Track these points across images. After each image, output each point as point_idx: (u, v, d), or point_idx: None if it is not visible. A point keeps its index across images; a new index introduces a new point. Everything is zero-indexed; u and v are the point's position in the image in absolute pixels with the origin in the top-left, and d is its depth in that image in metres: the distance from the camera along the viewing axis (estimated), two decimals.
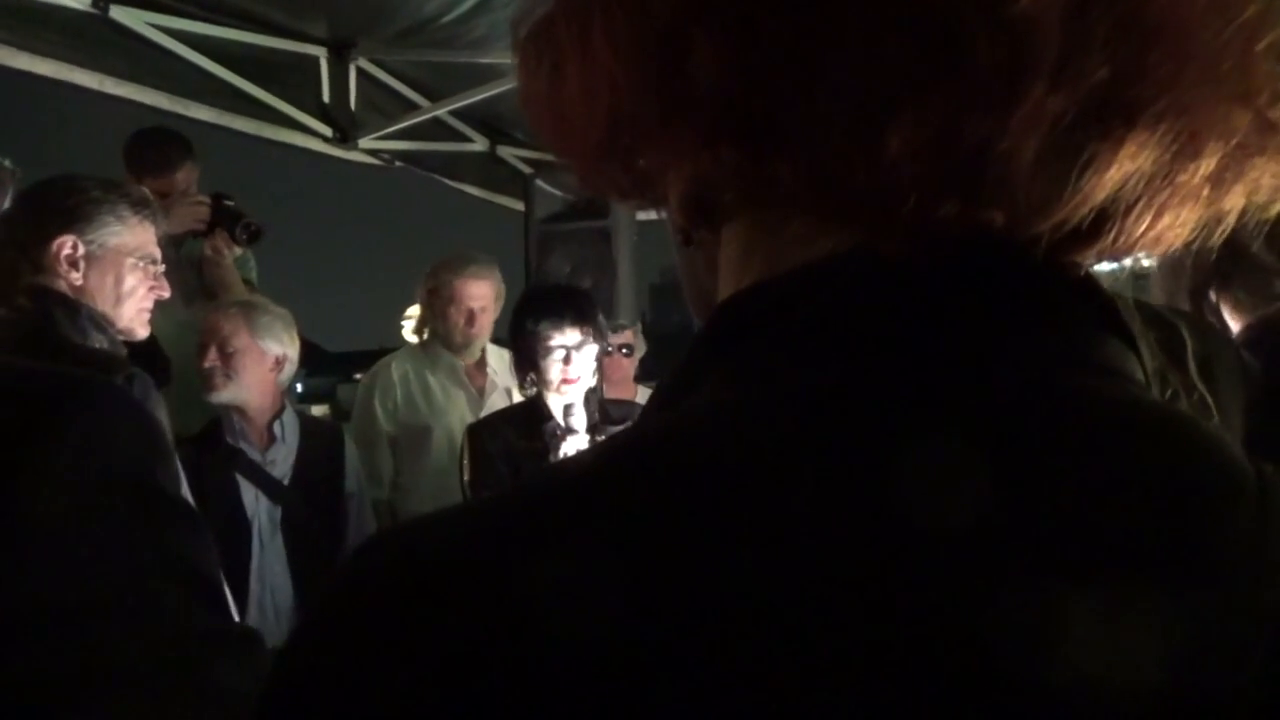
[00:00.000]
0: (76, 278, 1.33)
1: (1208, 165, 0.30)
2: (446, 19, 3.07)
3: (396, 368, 2.74)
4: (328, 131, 3.55)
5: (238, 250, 2.67)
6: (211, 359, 2.22)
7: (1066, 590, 0.26)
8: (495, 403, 2.71)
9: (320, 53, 3.42)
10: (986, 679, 0.25)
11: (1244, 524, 0.29)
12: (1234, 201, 0.32)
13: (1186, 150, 0.30)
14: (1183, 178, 0.30)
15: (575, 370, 2.15)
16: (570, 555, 0.27)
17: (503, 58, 3.01)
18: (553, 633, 0.26)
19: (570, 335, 2.15)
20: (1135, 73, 0.29)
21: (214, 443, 2.22)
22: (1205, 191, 0.31)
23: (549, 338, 2.14)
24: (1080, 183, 0.29)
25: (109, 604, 0.58)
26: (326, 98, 3.49)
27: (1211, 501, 0.29)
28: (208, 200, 2.63)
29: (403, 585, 0.28)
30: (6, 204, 1.19)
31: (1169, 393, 0.35)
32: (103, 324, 1.30)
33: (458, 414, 2.69)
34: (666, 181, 0.36)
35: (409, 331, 4.57)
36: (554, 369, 2.14)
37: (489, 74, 3.30)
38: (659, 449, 0.30)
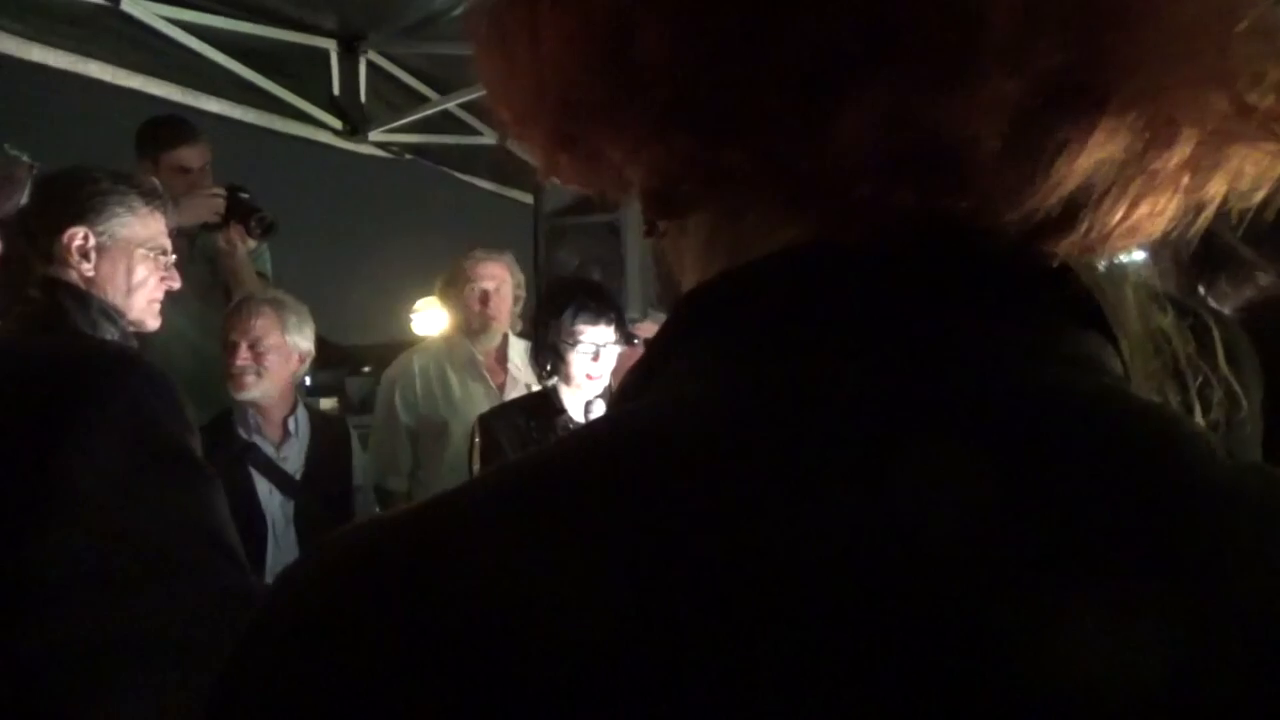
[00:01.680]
0: (87, 269, 1.33)
1: (1183, 152, 0.29)
2: (456, 12, 3.07)
3: (418, 360, 2.74)
4: (338, 124, 3.56)
5: (251, 243, 2.68)
6: (244, 357, 2.21)
7: (1064, 590, 0.26)
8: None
9: (330, 45, 3.43)
10: (986, 679, 0.25)
11: (1225, 519, 0.28)
12: (1215, 189, 0.30)
13: (1161, 136, 0.29)
14: (1157, 165, 0.29)
15: (600, 368, 2.15)
16: (540, 549, 0.27)
17: None
18: (529, 628, 0.26)
19: (604, 333, 2.15)
20: (1099, 55, 0.28)
21: (226, 436, 2.21)
22: (1184, 179, 0.30)
23: (582, 331, 2.13)
24: (1051, 170, 0.29)
25: (151, 566, 0.60)
26: (336, 90, 3.49)
27: (1196, 498, 0.29)
28: (223, 192, 2.64)
29: (371, 576, 0.28)
30: (25, 199, 1.20)
31: (1199, 380, 0.35)
32: (113, 315, 1.31)
33: (475, 409, 2.65)
34: (628, 171, 0.35)
35: (418, 326, 4.56)
36: (580, 363, 2.14)
37: None
38: (615, 443, 0.30)
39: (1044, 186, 0.29)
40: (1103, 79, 0.28)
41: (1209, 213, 0.31)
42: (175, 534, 0.64)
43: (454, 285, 2.72)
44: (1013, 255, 0.31)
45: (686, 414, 0.30)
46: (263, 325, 2.24)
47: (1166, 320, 0.34)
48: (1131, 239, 0.31)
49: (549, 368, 2.18)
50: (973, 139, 0.28)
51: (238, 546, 0.71)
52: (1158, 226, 0.31)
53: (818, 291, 0.31)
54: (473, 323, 2.71)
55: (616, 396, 0.35)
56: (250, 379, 2.22)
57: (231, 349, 2.22)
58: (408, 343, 3.04)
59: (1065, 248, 0.31)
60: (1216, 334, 0.38)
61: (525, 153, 0.37)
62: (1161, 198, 0.30)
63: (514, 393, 2.73)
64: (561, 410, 2.17)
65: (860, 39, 0.28)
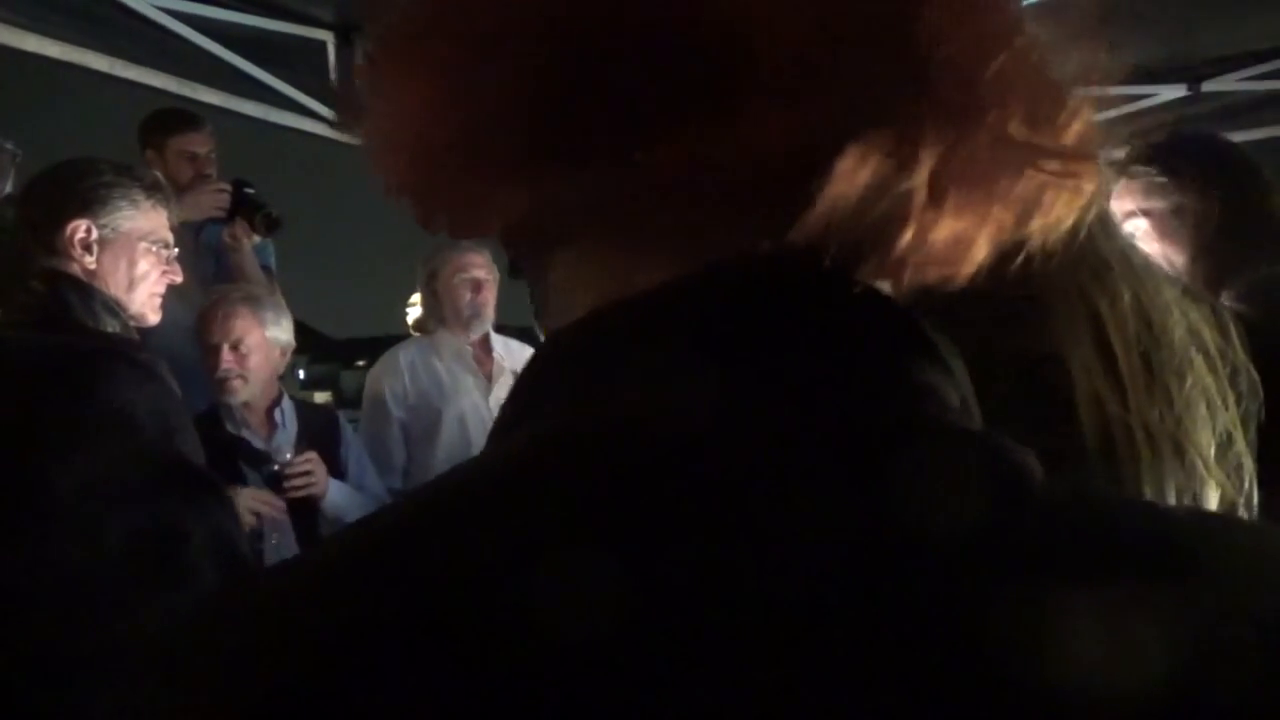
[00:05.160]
0: (90, 261, 1.33)
1: (921, 176, 0.31)
2: None
3: (404, 356, 2.76)
4: (334, 116, 3.54)
5: (256, 238, 2.68)
6: (228, 360, 2.17)
7: (1065, 593, 0.26)
8: (504, 387, 2.73)
9: (327, 37, 3.41)
10: (986, 679, 0.25)
11: (1243, 531, 0.29)
12: (1034, 226, 0.33)
13: (905, 162, 0.31)
14: (907, 186, 0.31)
15: None
16: (567, 556, 0.27)
17: None
18: (543, 638, 0.26)
19: None
20: (855, 90, 0.30)
21: (214, 431, 2.16)
22: (992, 209, 0.32)
23: None
24: (815, 194, 0.31)
25: (137, 577, 0.58)
26: (333, 82, 3.48)
27: (1205, 512, 0.29)
28: (228, 187, 2.64)
29: (380, 594, 0.27)
30: (9, 186, 1.19)
31: (1229, 370, 0.36)
32: (115, 308, 1.30)
33: (467, 399, 2.72)
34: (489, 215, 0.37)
35: (413, 319, 4.59)
36: None
37: None
38: (653, 452, 0.30)
39: (813, 213, 0.31)
40: (859, 108, 0.31)
41: (1031, 247, 0.34)
42: (165, 543, 0.62)
43: (439, 275, 2.74)
44: (829, 287, 0.32)
45: (702, 427, 0.30)
46: (242, 326, 2.20)
47: (1202, 314, 0.35)
48: (947, 267, 0.33)
49: None
50: (758, 173, 0.31)
51: (240, 554, 0.69)
52: (974, 255, 0.33)
53: (654, 333, 0.32)
54: (464, 312, 2.73)
55: (495, 427, 0.36)
56: (237, 383, 2.19)
57: (213, 353, 2.17)
58: (402, 337, 3.05)
59: (871, 274, 0.33)
60: (1233, 324, 0.38)
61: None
62: (957, 224, 0.32)
63: (502, 380, 2.75)
64: None
65: (653, 84, 0.31)
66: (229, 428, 2.21)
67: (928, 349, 0.33)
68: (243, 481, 2.14)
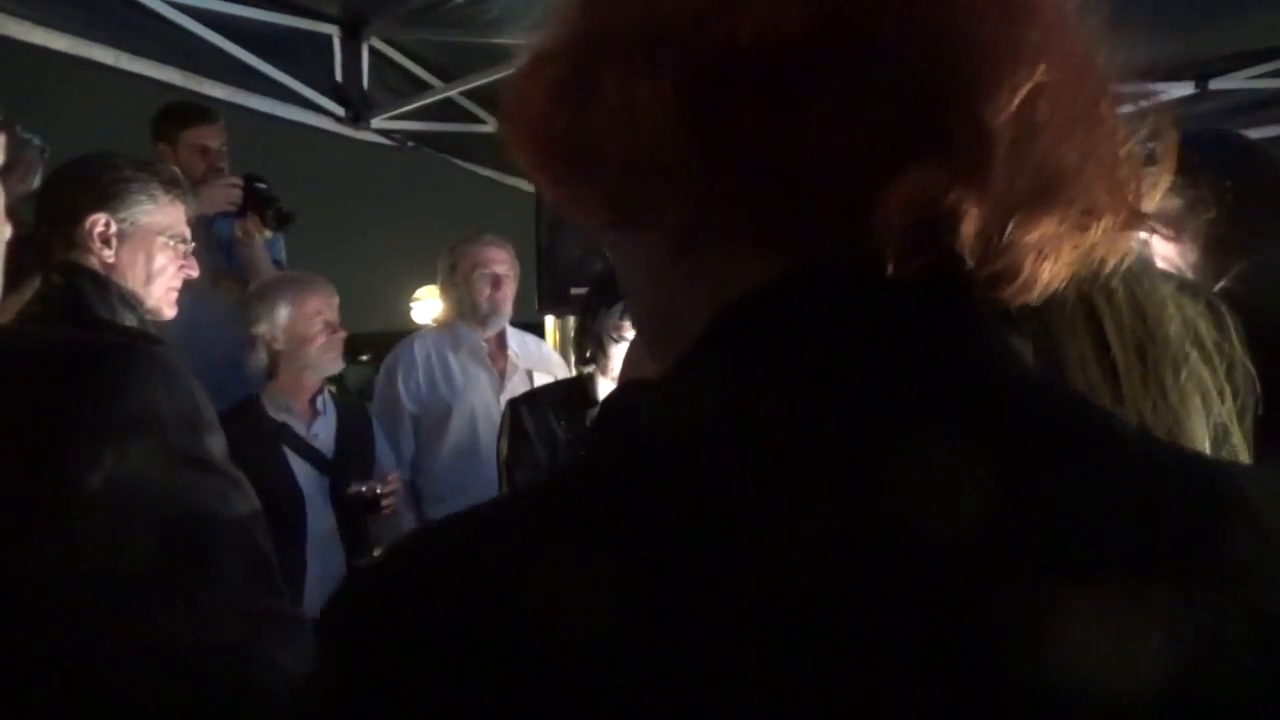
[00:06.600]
0: (108, 255, 1.34)
1: (1094, 236, 0.37)
2: None
3: (420, 347, 2.76)
4: (340, 111, 3.54)
5: (268, 233, 2.69)
6: (340, 332, 2.32)
7: (1067, 590, 0.27)
8: (516, 385, 2.73)
9: (333, 31, 3.41)
10: (987, 677, 0.26)
11: (1244, 526, 0.29)
12: (1098, 254, 0.39)
13: (1081, 224, 0.37)
14: (1075, 242, 0.37)
15: None
16: (576, 555, 0.28)
17: (517, 39, 2.99)
18: (555, 630, 0.27)
19: None
20: (1057, 164, 0.36)
21: (255, 418, 2.23)
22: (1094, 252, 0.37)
23: (629, 328, 2.09)
24: (1011, 241, 0.36)
25: (164, 574, 0.58)
26: (339, 77, 3.47)
27: (1208, 505, 0.30)
28: (240, 182, 2.65)
29: (412, 593, 0.30)
30: (37, 182, 1.20)
31: (1225, 364, 0.37)
32: (132, 302, 1.32)
33: (479, 395, 2.71)
34: (658, 212, 0.38)
35: (418, 314, 4.57)
36: (619, 360, 2.13)
37: (502, 55, 3.28)
38: (661, 456, 0.32)
39: (1005, 254, 0.36)
40: (1054, 182, 0.36)
41: (1093, 266, 0.39)
42: (190, 541, 0.61)
43: (459, 269, 2.73)
44: (985, 299, 0.37)
45: (718, 430, 0.32)
46: (334, 303, 2.37)
47: (1198, 309, 0.36)
48: (1045, 289, 0.38)
49: (588, 355, 2.17)
50: (966, 218, 0.35)
51: (270, 558, 0.69)
52: (1062, 281, 0.38)
53: (837, 310, 0.35)
54: (482, 307, 2.71)
55: (650, 403, 0.37)
56: (337, 355, 2.36)
57: (329, 327, 2.33)
58: (406, 331, 3.05)
59: (1003, 294, 0.37)
60: (1229, 318, 0.39)
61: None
62: (1072, 263, 0.38)
63: (515, 378, 2.75)
64: (593, 403, 2.15)
65: (897, 142, 0.35)
66: (271, 413, 2.26)
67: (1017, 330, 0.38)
68: (286, 467, 2.19)
